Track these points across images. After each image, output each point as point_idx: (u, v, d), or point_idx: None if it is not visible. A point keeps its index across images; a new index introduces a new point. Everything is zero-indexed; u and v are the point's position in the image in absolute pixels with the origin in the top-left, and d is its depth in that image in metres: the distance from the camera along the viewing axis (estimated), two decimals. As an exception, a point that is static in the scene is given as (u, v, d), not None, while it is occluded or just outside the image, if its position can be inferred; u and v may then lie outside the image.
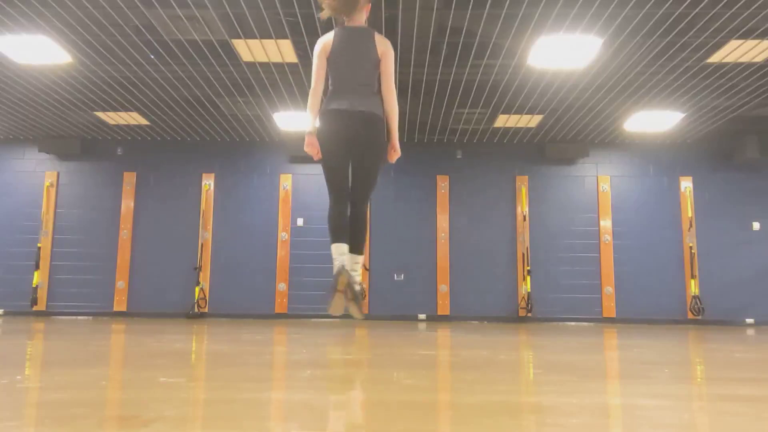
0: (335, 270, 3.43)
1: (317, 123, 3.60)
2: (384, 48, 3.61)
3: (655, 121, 8.38)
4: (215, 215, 9.56)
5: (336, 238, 3.58)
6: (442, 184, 9.55)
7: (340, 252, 3.53)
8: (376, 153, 3.58)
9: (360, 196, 3.62)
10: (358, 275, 3.53)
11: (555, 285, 9.22)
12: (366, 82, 3.60)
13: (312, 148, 3.53)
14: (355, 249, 3.58)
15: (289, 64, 6.64)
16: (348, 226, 3.63)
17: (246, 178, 9.68)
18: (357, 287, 3.45)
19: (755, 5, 5.12)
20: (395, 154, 3.62)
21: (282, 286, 9.31)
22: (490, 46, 6.08)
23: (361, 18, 3.66)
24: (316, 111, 3.61)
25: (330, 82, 3.64)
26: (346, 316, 3.70)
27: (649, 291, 9.15)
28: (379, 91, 3.64)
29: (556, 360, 2.77)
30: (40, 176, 9.64)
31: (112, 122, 8.82)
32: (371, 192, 3.67)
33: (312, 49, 6.20)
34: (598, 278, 9.26)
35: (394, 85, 3.65)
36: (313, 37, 5.90)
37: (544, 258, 9.31)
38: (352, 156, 3.60)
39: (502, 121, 8.55)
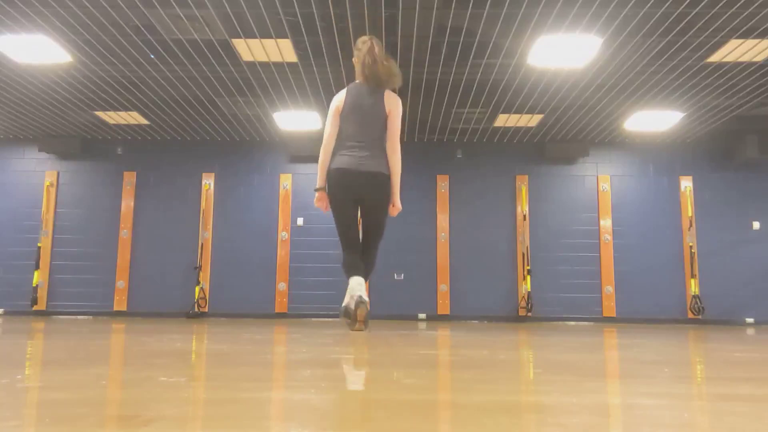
0: (355, 302, 3.78)
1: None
2: (392, 106, 3.88)
3: (655, 120, 8.39)
4: (215, 215, 9.56)
5: (352, 273, 3.92)
6: (442, 183, 9.55)
7: (358, 283, 3.84)
8: (381, 209, 3.94)
9: (370, 244, 4.02)
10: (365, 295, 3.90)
11: (555, 284, 9.22)
12: (374, 138, 3.84)
13: (321, 202, 3.88)
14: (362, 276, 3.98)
15: (289, 64, 6.64)
16: (361, 265, 3.97)
17: (246, 178, 9.68)
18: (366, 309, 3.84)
19: (755, 5, 5.12)
20: (395, 209, 3.98)
21: (282, 286, 9.31)
22: (490, 45, 6.08)
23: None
24: (325, 168, 3.89)
25: (340, 135, 3.87)
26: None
27: (649, 290, 9.15)
28: (386, 146, 3.92)
29: (556, 359, 2.78)
30: (40, 176, 9.64)
31: (112, 122, 8.82)
32: (380, 241, 4.09)
33: (311, 49, 6.22)
34: (598, 278, 9.26)
35: (398, 144, 3.97)
36: (313, 36, 5.91)
37: (544, 257, 9.31)
38: (360, 211, 3.97)
39: (502, 120, 8.55)
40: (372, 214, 3.90)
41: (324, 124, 4.19)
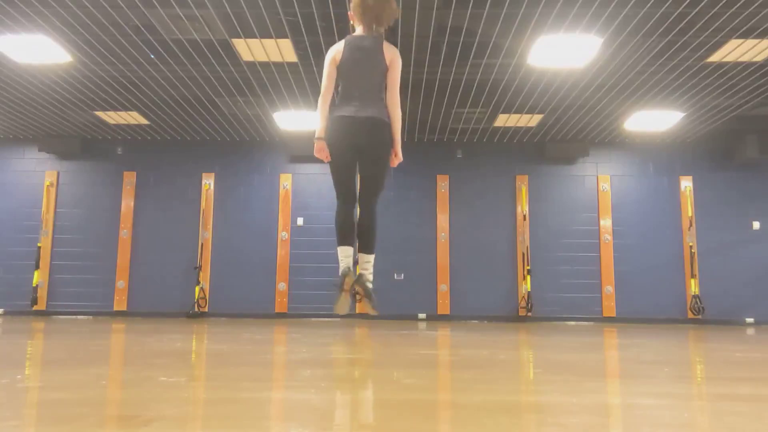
0: (341, 271, 3.56)
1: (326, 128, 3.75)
2: (392, 56, 3.80)
3: (655, 120, 8.38)
4: (215, 215, 9.56)
5: (342, 241, 3.70)
6: (442, 183, 9.55)
7: (345, 254, 3.64)
8: (382, 157, 3.74)
9: (368, 199, 3.78)
10: (369, 273, 3.65)
11: (555, 284, 9.22)
12: (373, 90, 3.75)
13: (322, 152, 3.70)
14: (365, 248, 3.71)
15: (289, 64, 6.64)
16: (353, 229, 3.75)
17: (246, 177, 9.68)
18: (369, 285, 3.56)
19: (755, 5, 5.12)
20: (396, 159, 3.78)
21: (282, 286, 9.31)
22: (490, 45, 6.08)
23: (381, 30, 3.79)
24: (325, 116, 3.76)
25: (339, 88, 3.80)
26: (350, 315, 3.78)
27: (649, 290, 9.15)
28: (385, 98, 3.80)
29: (556, 359, 2.77)
30: (40, 176, 9.64)
31: (112, 122, 8.82)
32: (379, 195, 3.82)
33: (311, 49, 6.21)
34: (598, 277, 9.25)
35: (398, 94, 3.81)
36: (313, 36, 5.91)
37: (544, 257, 9.30)
38: (359, 161, 3.78)
39: (502, 120, 8.55)
40: (372, 164, 3.75)
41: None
